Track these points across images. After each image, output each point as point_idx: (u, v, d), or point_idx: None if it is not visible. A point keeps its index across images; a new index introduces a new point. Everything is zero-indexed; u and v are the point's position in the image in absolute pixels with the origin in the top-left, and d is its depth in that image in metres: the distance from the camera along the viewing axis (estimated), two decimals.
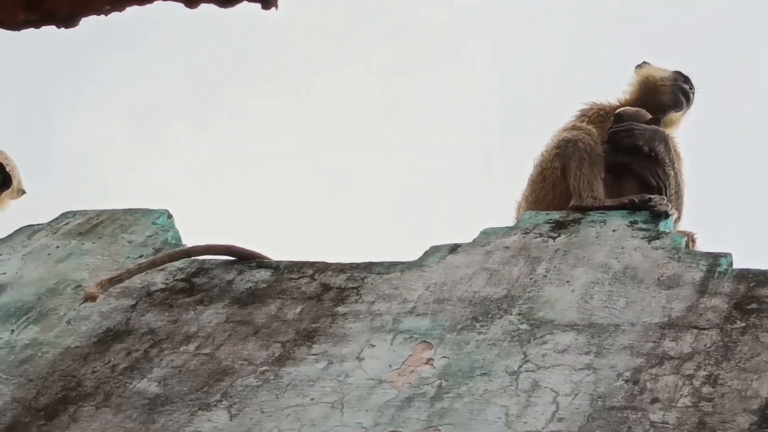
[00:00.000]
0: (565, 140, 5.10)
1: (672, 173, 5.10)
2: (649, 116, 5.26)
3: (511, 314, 4.19)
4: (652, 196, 4.76)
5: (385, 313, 4.30)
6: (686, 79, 5.52)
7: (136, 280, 4.73)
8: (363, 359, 4.06)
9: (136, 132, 11.29)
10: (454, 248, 4.64)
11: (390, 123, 10.52)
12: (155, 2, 2.50)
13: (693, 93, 5.48)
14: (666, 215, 4.65)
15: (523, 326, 4.10)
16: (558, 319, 4.11)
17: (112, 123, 11.11)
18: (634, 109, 5.33)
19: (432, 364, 3.98)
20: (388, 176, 10.29)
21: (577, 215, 4.79)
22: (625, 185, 5.06)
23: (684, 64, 5.60)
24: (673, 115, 5.46)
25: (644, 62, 5.61)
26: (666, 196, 4.96)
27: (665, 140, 5.12)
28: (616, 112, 5.30)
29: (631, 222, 4.65)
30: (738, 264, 4.31)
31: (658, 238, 4.50)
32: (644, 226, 4.60)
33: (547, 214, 4.84)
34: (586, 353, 3.89)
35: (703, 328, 3.93)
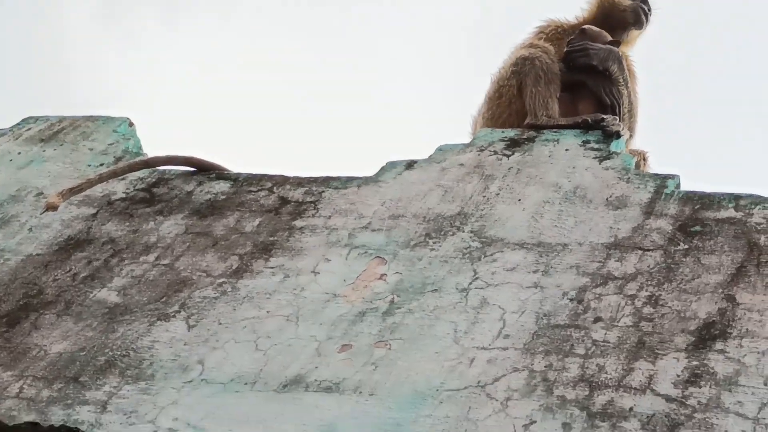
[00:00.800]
0: (522, 58, 5.16)
1: (626, 92, 5.19)
2: (609, 38, 5.32)
3: (463, 231, 4.30)
4: (605, 116, 4.85)
5: (341, 228, 4.40)
6: None
7: (97, 189, 4.81)
8: (318, 273, 4.17)
9: (104, 22, 11.14)
10: (410, 164, 4.73)
11: (351, 36, 10.50)
12: None
13: (650, 12, 5.54)
14: (618, 135, 4.75)
15: (475, 244, 4.22)
16: (508, 237, 4.23)
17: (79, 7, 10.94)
18: (598, 29, 5.37)
19: (385, 280, 4.10)
20: (349, 90, 10.29)
21: (532, 133, 4.88)
22: (581, 104, 5.15)
23: None
24: (630, 34, 5.53)
25: None
26: (619, 115, 5.06)
27: (619, 60, 5.20)
28: (581, 28, 5.35)
29: (583, 142, 4.75)
30: (686, 186, 4.43)
31: (609, 159, 4.60)
32: (596, 146, 4.70)
33: (502, 131, 4.93)
34: (534, 272, 4.02)
35: (648, 249, 4.06)
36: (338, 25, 10.50)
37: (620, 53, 5.26)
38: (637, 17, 5.51)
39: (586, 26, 5.37)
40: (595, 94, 5.15)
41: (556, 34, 5.40)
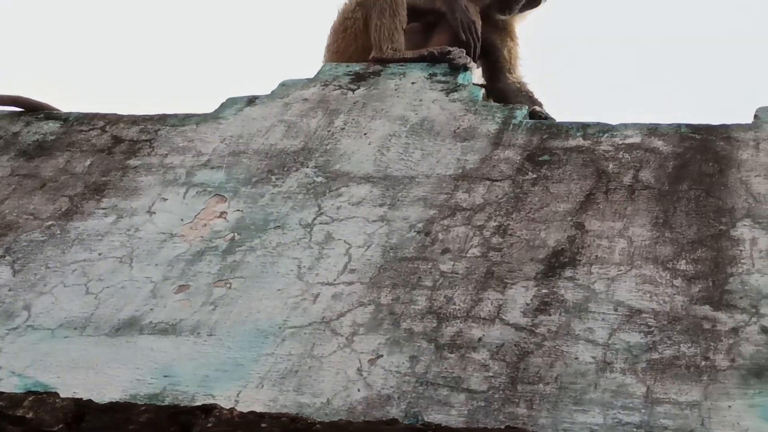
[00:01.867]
0: None
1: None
2: None
3: (307, 167, 4.13)
4: (452, 49, 4.72)
5: (179, 166, 4.19)
6: None
7: None
8: (154, 213, 3.96)
9: None
10: (251, 100, 4.54)
11: None
12: None
13: (518, 3, 5.17)
14: (465, 68, 4.63)
15: (319, 179, 4.06)
16: (354, 171, 4.08)
17: None
18: None
19: (225, 218, 3.91)
20: (189, 24, 9.94)
21: (378, 67, 4.73)
22: (437, 36, 4.99)
23: None
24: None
25: None
26: (474, 54, 4.91)
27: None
28: None
29: (430, 75, 4.62)
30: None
31: (456, 91, 4.48)
32: (443, 79, 4.58)
33: (347, 66, 4.76)
34: (380, 205, 3.88)
35: (496, 180, 3.95)
36: None
37: None
38: (498, 2, 5.17)
39: None
40: (452, 27, 4.99)
41: None
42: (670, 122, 4.11)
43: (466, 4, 5.03)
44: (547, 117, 4.64)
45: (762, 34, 8.97)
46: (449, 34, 4.98)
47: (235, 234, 3.83)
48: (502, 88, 4.96)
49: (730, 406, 2.95)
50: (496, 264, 3.56)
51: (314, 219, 3.85)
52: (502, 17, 5.23)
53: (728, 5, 9.34)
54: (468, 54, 4.84)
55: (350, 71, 4.70)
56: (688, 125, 4.07)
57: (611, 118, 4.21)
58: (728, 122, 4.06)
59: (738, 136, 3.97)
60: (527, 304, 3.38)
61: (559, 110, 4.73)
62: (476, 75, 5.05)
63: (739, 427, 2.89)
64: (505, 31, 5.29)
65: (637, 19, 9.36)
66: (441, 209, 3.83)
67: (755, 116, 4.07)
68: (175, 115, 4.47)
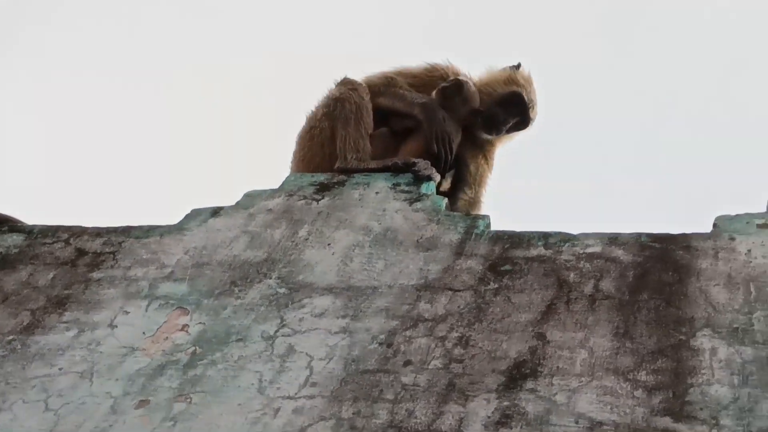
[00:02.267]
0: (333, 99, 5.06)
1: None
2: (476, 106, 5.17)
3: (270, 278, 4.14)
4: (417, 160, 4.76)
5: (142, 278, 4.19)
6: (516, 105, 5.21)
7: None
8: (116, 327, 3.95)
9: None
10: (216, 211, 4.56)
11: (149, 75, 10.18)
12: None
13: (508, 124, 5.22)
14: (428, 178, 4.67)
15: (282, 290, 4.06)
16: (317, 282, 4.09)
17: None
18: (474, 91, 5.17)
19: (187, 331, 3.90)
20: (155, 135, 10.00)
21: (342, 177, 4.77)
22: (409, 145, 5.03)
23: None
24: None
25: (517, 65, 5.31)
26: (444, 168, 4.94)
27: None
28: (459, 80, 5.13)
29: (394, 184, 4.66)
30: (497, 226, 4.37)
31: (419, 200, 4.52)
32: (406, 189, 4.61)
33: (312, 176, 4.80)
34: (343, 316, 3.88)
35: (458, 290, 3.97)
36: (138, 68, 10.20)
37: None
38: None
39: (465, 83, 5.16)
40: (426, 139, 5.01)
41: (431, 78, 5.24)
42: (630, 231, 4.15)
43: (445, 115, 5.07)
44: None
45: (720, 143, 9.13)
46: (424, 142, 5.02)
47: (197, 347, 3.82)
48: (453, 203, 4.98)
49: None
50: (458, 376, 3.56)
51: (276, 331, 3.85)
52: (487, 137, 5.27)
53: (685, 114, 9.52)
54: (438, 166, 4.88)
55: (315, 181, 4.74)
56: (648, 234, 4.11)
57: (573, 226, 4.26)
58: (688, 231, 4.10)
59: (697, 245, 4.01)
60: (488, 417, 3.37)
61: (521, 218, 4.77)
62: (444, 184, 5.11)
63: None
64: (483, 150, 5.31)
65: (599, 128, 9.51)
66: (403, 320, 3.84)
67: (714, 225, 4.12)
68: (140, 227, 4.49)
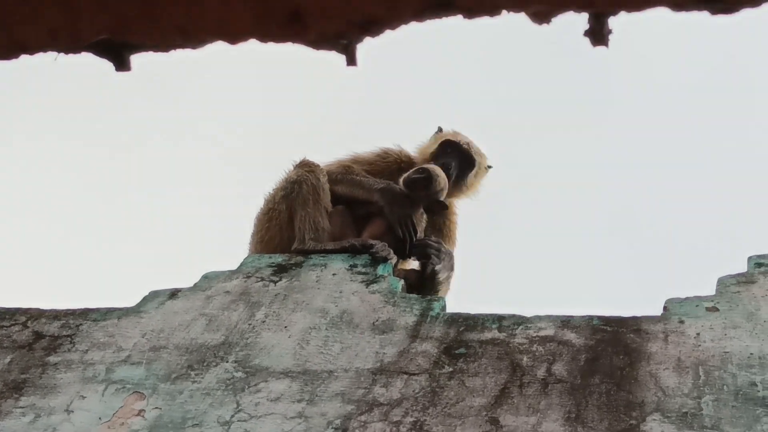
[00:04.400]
0: (291, 181, 5.12)
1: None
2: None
3: (227, 362, 4.17)
4: (374, 242, 4.82)
5: (99, 362, 4.21)
6: (451, 150, 5.37)
7: None
8: (72, 411, 3.96)
9: None
10: (174, 293, 4.60)
11: (108, 150, 10.22)
12: None
13: (451, 168, 5.31)
14: (385, 260, 4.73)
15: (239, 374, 4.09)
16: (273, 366, 4.12)
17: None
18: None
19: (143, 416, 3.92)
20: (114, 216, 10.00)
21: (299, 258, 4.82)
22: (373, 225, 5.09)
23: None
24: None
25: (438, 129, 5.52)
26: (407, 249, 5.01)
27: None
28: (428, 168, 5.19)
29: (351, 266, 4.71)
30: (452, 308, 4.43)
31: (376, 282, 4.58)
32: (363, 270, 4.67)
33: (269, 257, 4.85)
34: (299, 401, 3.92)
35: (413, 374, 4.01)
36: (94, 141, 10.23)
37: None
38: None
39: (431, 169, 5.20)
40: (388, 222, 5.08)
41: (385, 163, 5.35)
42: (582, 314, 4.22)
43: (405, 197, 5.14)
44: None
45: (670, 225, 9.28)
46: (386, 225, 5.09)
47: None
48: (425, 280, 5.05)
49: None
50: None
51: (232, 416, 3.88)
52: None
53: (634, 198, 9.68)
54: (402, 247, 4.97)
55: (272, 263, 4.79)
56: (599, 317, 4.18)
57: (527, 308, 4.32)
58: (638, 314, 4.18)
59: (648, 329, 4.08)
60: None
61: (476, 299, 4.83)
62: (411, 264, 5.17)
63: None
64: (443, 220, 5.43)
65: (551, 212, 9.65)
66: (359, 405, 3.88)
67: (664, 308, 4.20)
68: (97, 309, 4.51)
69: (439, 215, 5.32)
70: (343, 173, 5.21)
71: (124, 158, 10.03)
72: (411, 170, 5.23)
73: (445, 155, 5.38)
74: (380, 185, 5.16)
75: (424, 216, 5.25)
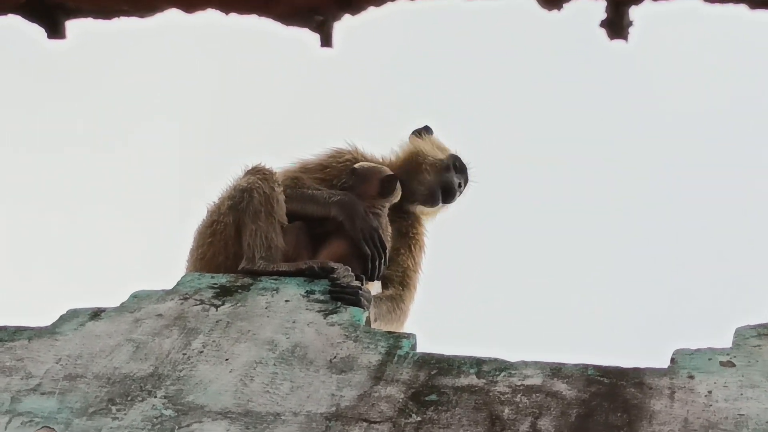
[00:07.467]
0: (240, 189, 5.08)
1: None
2: (385, 173, 5.30)
3: (155, 397, 4.15)
4: (335, 266, 4.81)
5: (3, 390, 4.18)
6: (461, 169, 5.51)
7: None
8: None
9: None
10: (96, 313, 4.58)
11: (28, 150, 10.14)
12: None
13: (462, 188, 5.50)
14: (355, 302, 4.69)
15: (168, 412, 4.07)
16: (210, 404, 4.11)
17: None
18: (371, 166, 5.33)
19: None
20: (33, 225, 9.93)
21: (247, 280, 4.81)
22: (335, 243, 5.09)
23: None
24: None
25: (426, 128, 5.62)
26: (378, 270, 5.02)
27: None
28: (353, 167, 5.30)
29: (307, 292, 4.71)
30: (424, 347, 4.43)
31: (336, 313, 4.57)
32: (321, 298, 4.66)
33: (211, 276, 4.84)
34: None
35: (374, 422, 4.01)
36: (17, 145, 10.15)
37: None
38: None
39: (357, 165, 5.31)
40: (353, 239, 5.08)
41: (339, 164, 5.38)
42: (576, 362, 4.23)
43: (366, 209, 5.15)
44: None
45: (683, 266, 9.31)
46: (348, 243, 5.08)
47: None
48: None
49: None
50: None
51: None
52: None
53: (641, 228, 9.73)
54: (370, 264, 4.97)
55: (215, 283, 4.77)
56: (595, 367, 4.19)
57: (511, 351, 4.33)
58: (641, 365, 4.19)
59: (651, 383, 4.09)
60: None
61: (452, 339, 4.84)
62: (375, 287, 5.18)
63: None
64: (409, 234, 5.47)
65: (544, 241, 9.68)
66: None
67: (672, 359, 4.21)
68: (5, 328, 4.49)
69: (392, 197, 5.32)
70: (291, 187, 5.19)
71: (43, 158, 9.99)
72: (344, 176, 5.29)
73: (453, 172, 5.47)
74: (336, 197, 5.17)
75: (389, 228, 5.26)
